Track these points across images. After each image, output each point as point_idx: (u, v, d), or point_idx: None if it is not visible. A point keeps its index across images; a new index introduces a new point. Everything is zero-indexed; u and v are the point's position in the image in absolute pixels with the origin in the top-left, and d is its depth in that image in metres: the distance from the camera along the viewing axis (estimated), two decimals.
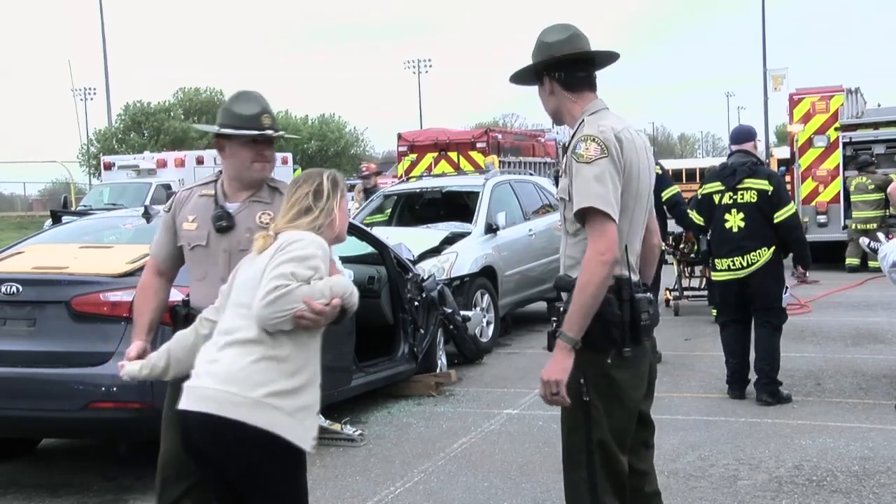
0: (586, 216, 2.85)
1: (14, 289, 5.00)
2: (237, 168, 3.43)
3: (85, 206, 20.35)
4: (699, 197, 7.03)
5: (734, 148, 6.94)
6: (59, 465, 5.83)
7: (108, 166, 25.22)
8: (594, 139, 2.87)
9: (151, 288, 3.52)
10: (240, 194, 3.44)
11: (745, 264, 6.55)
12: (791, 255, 6.73)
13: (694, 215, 7.08)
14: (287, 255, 2.75)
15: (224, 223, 3.37)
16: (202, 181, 3.60)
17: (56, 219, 6.95)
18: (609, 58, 3.12)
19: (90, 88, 59.60)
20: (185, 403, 2.78)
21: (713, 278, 6.95)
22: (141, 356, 3.23)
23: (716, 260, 6.73)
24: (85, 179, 48.29)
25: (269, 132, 3.39)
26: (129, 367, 3.13)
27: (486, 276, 9.14)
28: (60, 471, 5.60)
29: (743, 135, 7.00)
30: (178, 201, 3.53)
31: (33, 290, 5.05)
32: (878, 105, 17.18)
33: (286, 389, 2.71)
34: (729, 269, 6.63)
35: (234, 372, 2.71)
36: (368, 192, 12.48)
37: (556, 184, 3.12)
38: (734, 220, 6.62)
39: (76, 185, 39.85)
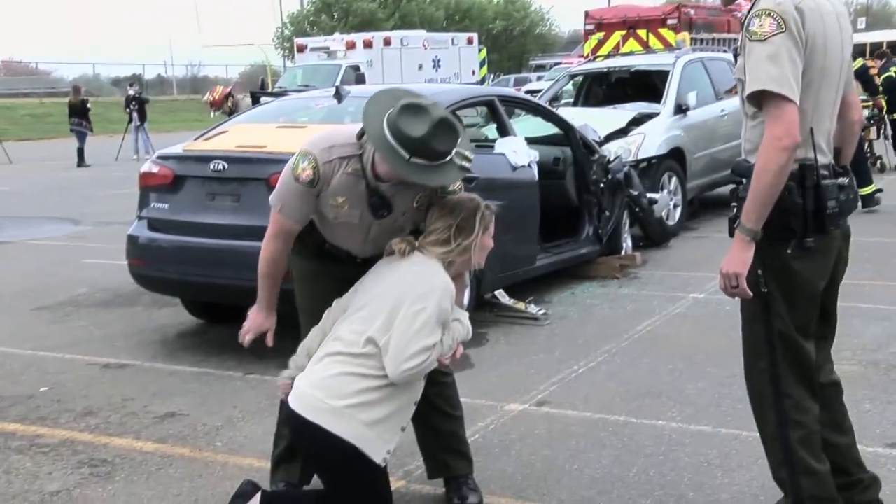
0: (761, 99, 2.65)
1: (221, 165, 5.34)
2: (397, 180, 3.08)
3: (280, 87, 21.19)
4: None
5: None
6: None
7: (301, 49, 26.08)
8: (770, 13, 2.63)
9: (283, 258, 3.28)
10: (391, 174, 3.04)
11: None
12: None
13: None
14: (427, 314, 2.77)
15: (384, 212, 3.11)
16: (342, 150, 3.09)
17: (255, 100, 7.29)
18: None
19: None
20: (289, 395, 2.94)
21: None
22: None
23: None
24: (280, 62, 50.09)
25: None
26: (285, 387, 3.05)
27: (674, 157, 8.88)
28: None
29: None
30: (324, 177, 3.09)
31: (237, 168, 5.36)
32: None
33: (368, 401, 2.77)
34: None
35: (325, 378, 2.83)
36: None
37: (736, 62, 2.90)
38: None
39: (272, 67, 41.37)
